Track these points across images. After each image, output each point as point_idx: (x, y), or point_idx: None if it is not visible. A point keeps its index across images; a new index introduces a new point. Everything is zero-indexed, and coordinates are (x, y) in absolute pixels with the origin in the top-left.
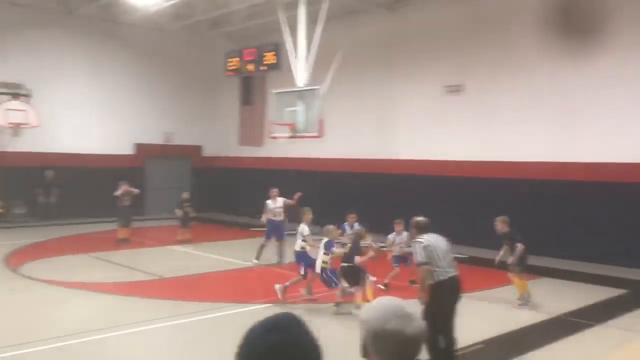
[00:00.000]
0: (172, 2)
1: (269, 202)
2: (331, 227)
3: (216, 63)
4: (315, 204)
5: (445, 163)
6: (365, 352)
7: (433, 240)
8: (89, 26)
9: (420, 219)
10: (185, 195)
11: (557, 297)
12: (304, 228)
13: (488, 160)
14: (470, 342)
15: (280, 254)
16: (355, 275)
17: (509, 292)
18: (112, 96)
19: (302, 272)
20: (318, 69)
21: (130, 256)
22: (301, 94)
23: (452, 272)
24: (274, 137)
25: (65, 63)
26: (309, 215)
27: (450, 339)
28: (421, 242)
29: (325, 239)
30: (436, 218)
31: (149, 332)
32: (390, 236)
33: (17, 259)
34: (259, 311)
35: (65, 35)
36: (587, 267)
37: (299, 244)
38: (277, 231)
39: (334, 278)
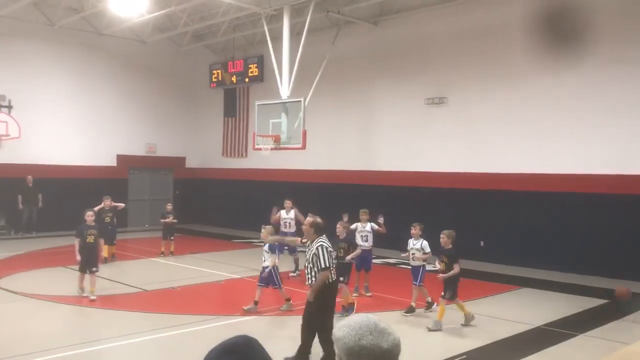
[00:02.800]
0: (154, 14)
1: (282, 212)
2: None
3: (200, 75)
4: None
5: (427, 174)
6: None
7: (329, 242)
8: (72, 38)
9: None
10: (169, 206)
11: (537, 308)
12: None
13: (469, 171)
14: (453, 354)
15: (296, 264)
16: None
17: (490, 303)
18: (95, 107)
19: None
20: (301, 81)
21: (111, 268)
22: (285, 106)
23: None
24: (258, 149)
25: (47, 74)
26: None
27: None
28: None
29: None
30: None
31: (130, 346)
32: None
33: None
34: (240, 324)
35: (47, 46)
36: (567, 277)
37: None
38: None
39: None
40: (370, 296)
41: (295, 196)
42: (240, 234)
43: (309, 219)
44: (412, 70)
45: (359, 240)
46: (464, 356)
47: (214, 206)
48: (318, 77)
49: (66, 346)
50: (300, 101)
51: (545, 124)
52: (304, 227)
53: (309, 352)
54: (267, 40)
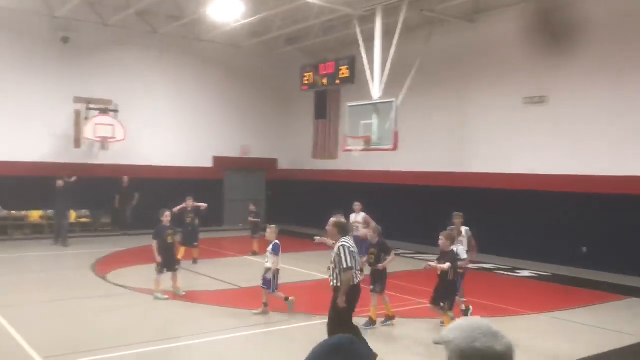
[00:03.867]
0: (249, 20)
1: (352, 215)
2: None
3: (291, 78)
4: (390, 217)
5: (524, 177)
6: None
7: (352, 242)
8: (172, 44)
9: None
10: (252, 207)
11: None
12: None
13: (571, 173)
14: None
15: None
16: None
17: (596, 312)
18: (193, 110)
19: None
20: (393, 81)
21: (208, 266)
22: (376, 107)
23: (359, 278)
24: (348, 150)
25: (149, 79)
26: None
27: None
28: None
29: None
30: (513, 232)
31: (228, 341)
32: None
33: (103, 266)
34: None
35: (149, 53)
36: None
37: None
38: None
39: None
40: (465, 301)
41: (385, 198)
42: (319, 233)
43: (333, 219)
44: (509, 69)
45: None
46: None
47: (304, 207)
48: (410, 77)
49: (167, 339)
50: (392, 102)
51: None
52: (328, 227)
53: None
54: (358, 42)
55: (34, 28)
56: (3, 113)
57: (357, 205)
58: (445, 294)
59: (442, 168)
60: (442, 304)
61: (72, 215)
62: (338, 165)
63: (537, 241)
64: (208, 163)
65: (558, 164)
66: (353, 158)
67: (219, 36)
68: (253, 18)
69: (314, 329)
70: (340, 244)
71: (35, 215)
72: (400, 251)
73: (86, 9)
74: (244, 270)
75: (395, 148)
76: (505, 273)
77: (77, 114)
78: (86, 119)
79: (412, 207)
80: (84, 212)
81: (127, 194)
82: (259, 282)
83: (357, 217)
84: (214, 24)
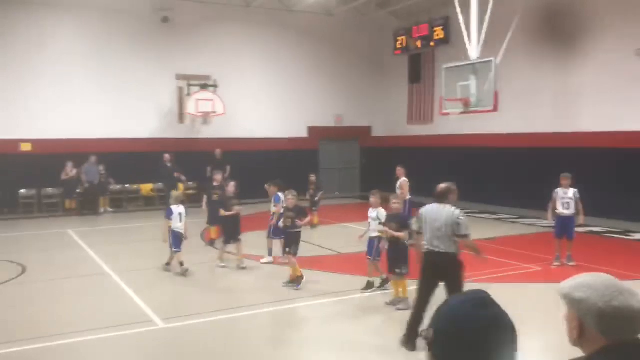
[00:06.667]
0: None
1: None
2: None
3: (384, 43)
4: (491, 181)
5: (636, 134)
6: (580, 333)
7: (426, 210)
8: (265, 17)
9: (441, 185)
10: (312, 177)
11: None
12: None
13: None
14: None
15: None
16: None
17: None
18: (287, 82)
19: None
20: (491, 40)
21: (306, 233)
22: (473, 67)
23: (433, 247)
24: (445, 114)
25: (243, 53)
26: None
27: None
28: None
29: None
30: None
31: (332, 304)
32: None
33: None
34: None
35: (243, 27)
36: None
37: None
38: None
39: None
40: (573, 266)
41: (485, 162)
42: (429, 201)
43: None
44: (619, 18)
45: (559, 207)
46: None
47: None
48: (510, 34)
49: (273, 302)
50: (490, 61)
51: None
52: (451, 193)
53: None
54: (453, 1)
55: (137, 10)
56: (116, 93)
57: (399, 169)
58: (398, 259)
59: (547, 128)
60: (397, 270)
61: (180, 188)
62: (434, 130)
63: None
64: (303, 133)
65: None
66: (450, 122)
67: (311, 6)
68: None
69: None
70: (459, 211)
71: (146, 188)
72: (504, 216)
73: None
74: (342, 238)
75: (495, 109)
76: (617, 236)
77: (180, 90)
78: (188, 95)
79: (515, 170)
80: (190, 184)
81: (220, 166)
82: (356, 249)
83: (397, 183)
84: None
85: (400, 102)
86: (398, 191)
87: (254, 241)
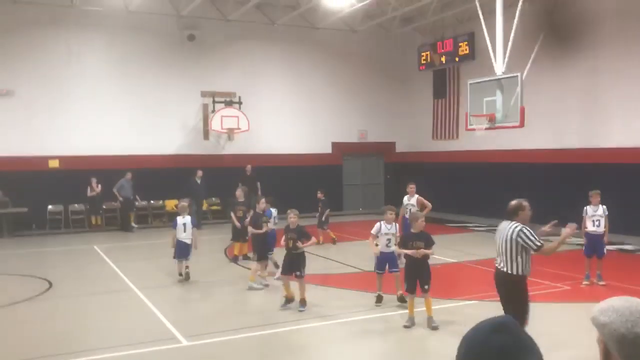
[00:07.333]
0: (363, 3)
1: (405, 198)
2: None
3: (408, 58)
4: (518, 197)
5: None
6: (605, 357)
7: (499, 226)
8: (289, 34)
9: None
10: (319, 194)
11: None
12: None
13: None
14: None
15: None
16: None
17: None
18: (311, 98)
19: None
20: (517, 55)
21: (331, 250)
22: (499, 83)
23: (497, 264)
24: (471, 129)
25: (268, 70)
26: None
27: None
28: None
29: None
30: None
31: (351, 323)
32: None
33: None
34: (458, 308)
35: (268, 44)
36: None
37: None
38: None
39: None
40: (603, 285)
41: (511, 177)
42: (453, 217)
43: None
44: None
45: (589, 226)
46: None
47: (424, 189)
48: (536, 49)
49: (297, 320)
50: (516, 76)
51: None
52: (524, 210)
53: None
54: (478, 16)
55: (164, 29)
56: (142, 110)
57: (410, 186)
58: (428, 276)
59: (575, 145)
60: (426, 287)
61: (204, 204)
62: (459, 145)
63: None
64: (327, 149)
65: None
66: (475, 138)
67: (335, 22)
68: (368, 1)
69: (443, 313)
70: (519, 227)
71: (171, 204)
72: None
73: (208, 6)
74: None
75: (522, 125)
76: None
77: (205, 107)
78: (213, 111)
79: (542, 186)
80: (214, 199)
81: (250, 183)
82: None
83: (411, 200)
84: (329, 11)
85: (424, 118)
86: (414, 208)
87: (279, 258)
